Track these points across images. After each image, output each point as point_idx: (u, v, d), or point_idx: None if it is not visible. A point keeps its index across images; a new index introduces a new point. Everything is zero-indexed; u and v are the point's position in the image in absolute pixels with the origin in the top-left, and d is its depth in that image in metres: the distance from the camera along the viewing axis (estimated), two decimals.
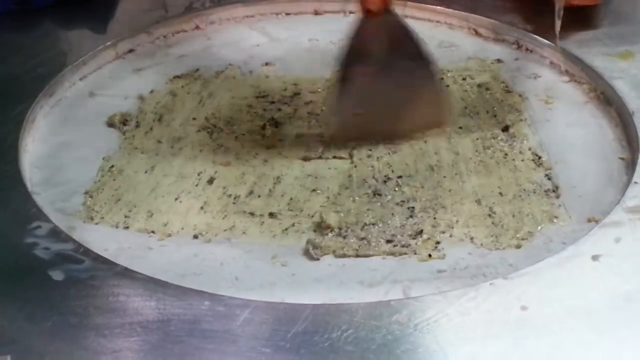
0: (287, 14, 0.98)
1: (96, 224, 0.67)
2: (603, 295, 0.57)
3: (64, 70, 0.83)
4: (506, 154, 0.74)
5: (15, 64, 0.83)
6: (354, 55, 0.72)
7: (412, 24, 0.94)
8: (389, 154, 0.74)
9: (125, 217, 0.67)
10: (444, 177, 0.72)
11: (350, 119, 0.74)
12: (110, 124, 0.79)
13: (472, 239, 0.65)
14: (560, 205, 0.69)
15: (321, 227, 0.66)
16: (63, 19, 0.92)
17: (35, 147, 0.75)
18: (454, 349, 0.53)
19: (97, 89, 0.84)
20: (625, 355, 0.53)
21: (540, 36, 0.88)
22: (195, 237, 0.66)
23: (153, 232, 0.66)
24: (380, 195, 0.69)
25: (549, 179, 0.72)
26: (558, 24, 0.86)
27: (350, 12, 0.97)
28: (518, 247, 0.65)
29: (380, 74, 0.72)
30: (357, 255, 0.64)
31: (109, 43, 0.88)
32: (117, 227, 0.67)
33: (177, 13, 0.94)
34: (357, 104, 0.73)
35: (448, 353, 0.53)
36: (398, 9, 0.95)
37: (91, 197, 0.69)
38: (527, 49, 0.90)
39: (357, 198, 0.69)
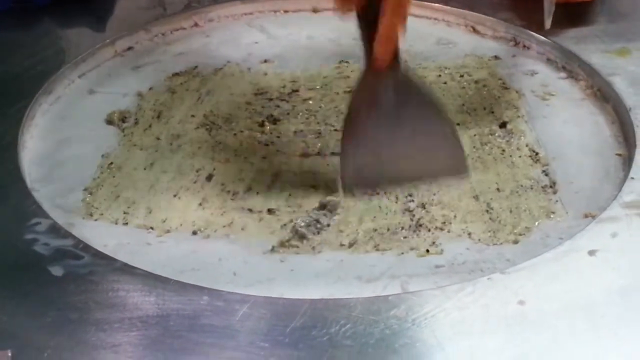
0: (286, 11, 0.98)
1: (95, 220, 0.67)
2: (600, 290, 0.58)
3: (63, 67, 0.83)
4: (503, 150, 0.75)
5: (15, 62, 0.84)
6: (362, 109, 0.67)
7: (410, 21, 0.96)
8: None
9: (125, 213, 0.68)
10: None
11: (363, 170, 0.68)
12: (109, 121, 0.79)
13: (469, 234, 0.66)
14: (557, 201, 0.69)
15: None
16: (62, 18, 0.92)
17: (34, 144, 0.75)
18: (451, 343, 0.54)
19: (96, 86, 0.84)
20: (621, 350, 0.53)
21: (537, 33, 0.89)
22: (194, 233, 0.66)
23: (152, 228, 0.66)
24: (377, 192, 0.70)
25: (546, 175, 0.72)
26: (548, 22, 0.86)
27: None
28: (515, 242, 0.65)
29: (392, 125, 0.67)
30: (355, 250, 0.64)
31: (107, 41, 0.89)
32: (116, 224, 0.67)
33: (176, 11, 0.95)
34: (370, 155, 0.68)
35: (446, 347, 0.53)
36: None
37: (90, 193, 0.70)
38: (524, 46, 0.90)
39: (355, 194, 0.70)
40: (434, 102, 0.68)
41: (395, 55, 0.65)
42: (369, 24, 0.63)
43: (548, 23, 0.86)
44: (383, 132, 0.67)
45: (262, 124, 0.78)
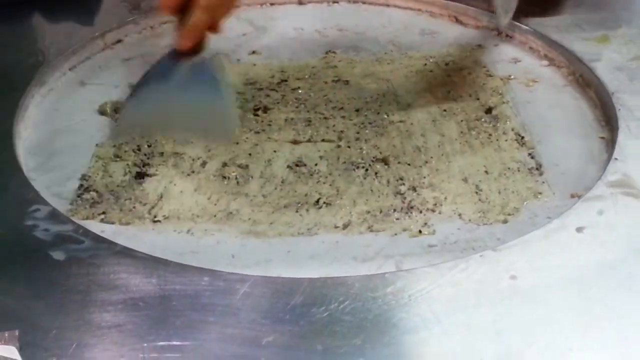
0: (272, 4, 0.99)
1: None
2: (588, 264, 0.60)
3: (53, 60, 0.84)
4: (490, 135, 0.77)
5: (5, 55, 0.84)
6: (157, 74, 0.72)
7: (395, 13, 0.98)
8: (376, 136, 0.76)
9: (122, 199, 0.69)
10: (431, 157, 0.74)
11: (137, 120, 0.74)
12: (102, 112, 0.80)
13: (460, 215, 0.68)
14: (544, 182, 0.71)
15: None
16: (51, 12, 0.93)
17: (29, 134, 0.76)
18: (447, 316, 0.55)
19: (87, 78, 0.85)
20: (610, 318, 0.55)
21: (519, 22, 0.91)
22: (191, 218, 0.67)
23: (149, 213, 0.67)
24: (369, 175, 0.71)
25: (532, 157, 0.74)
26: (503, 21, 0.87)
27: (334, 2, 0.99)
28: (505, 222, 0.67)
29: (176, 95, 0.71)
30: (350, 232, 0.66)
31: (97, 34, 0.90)
32: (114, 210, 0.68)
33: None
34: (148, 110, 0.72)
35: (442, 321, 0.55)
36: None
37: (86, 180, 0.71)
38: (506, 35, 0.92)
39: (347, 179, 0.71)
40: (220, 85, 0.72)
41: (198, 45, 0.70)
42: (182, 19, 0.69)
43: (502, 22, 0.87)
44: (165, 97, 0.71)
45: (253, 113, 0.79)
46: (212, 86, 0.71)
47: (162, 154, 0.74)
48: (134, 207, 0.68)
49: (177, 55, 0.71)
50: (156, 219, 0.67)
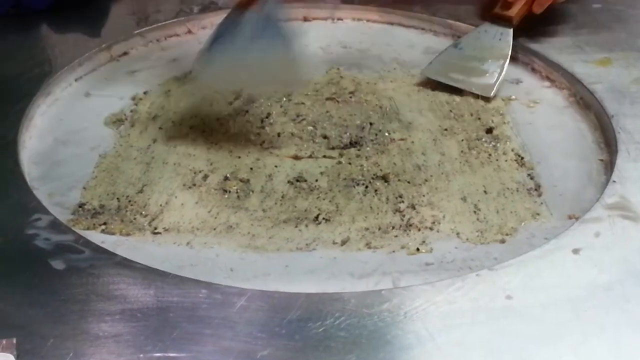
0: None
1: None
2: (583, 285, 0.60)
3: (60, 71, 0.85)
4: (490, 155, 0.77)
5: (13, 64, 0.85)
6: (227, 30, 0.78)
7: (398, 31, 0.99)
8: (377, 153, 0.77)
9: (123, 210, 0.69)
10: (431, 176, 0.74)
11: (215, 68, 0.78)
12: (106, 123, 0.81)
13: (458, 234, 0.68)
14: (542, 203, 0.71)
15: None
16: (58, 23, 0.94)
17: (33, 144, 0.77)
18: (442, 334, 0.56)
19: (93, 89, 0.86)
20: (604, 338, 0.56)
21: (522, 43, 0.91)
22: (191, 230, 0.68)
23: (149, 225, 0.68)
24: (369, 192, 0.72)
25: (531, 178, 0.74)
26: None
27: (339, 19, 1.00)
28: (502, 242, 0.67)
29: (246, 47, 0.76)
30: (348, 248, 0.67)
31: (103, 46, 0.91)
32: (114, 221, 0.68)
33: (167, 19, 0.97)
34: (224, 62, 0.77)
35: (437, 338, 0.55)
36: (384, 16, 0.99)
37: (88, 191, 0.71)
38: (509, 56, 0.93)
39: (346, 195, 0.72)
40: (283, 36, 0.78)
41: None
42: None
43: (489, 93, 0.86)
44: (238, 50, 0.76)
45: (256, 127, 0.80)
46: (279, 35, 0.77)
47: (162, 171, 0.74)
48: (135, 219, 0.69)
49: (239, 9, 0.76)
50: (156, 231, 0.68)
